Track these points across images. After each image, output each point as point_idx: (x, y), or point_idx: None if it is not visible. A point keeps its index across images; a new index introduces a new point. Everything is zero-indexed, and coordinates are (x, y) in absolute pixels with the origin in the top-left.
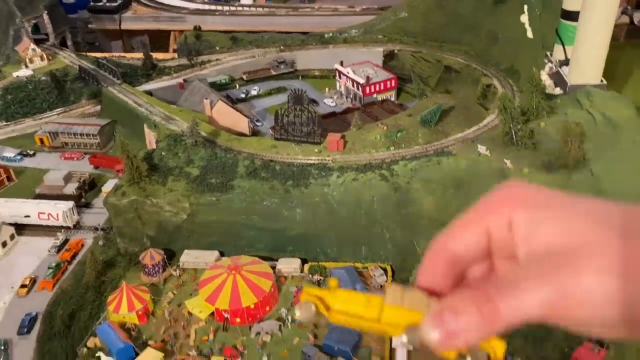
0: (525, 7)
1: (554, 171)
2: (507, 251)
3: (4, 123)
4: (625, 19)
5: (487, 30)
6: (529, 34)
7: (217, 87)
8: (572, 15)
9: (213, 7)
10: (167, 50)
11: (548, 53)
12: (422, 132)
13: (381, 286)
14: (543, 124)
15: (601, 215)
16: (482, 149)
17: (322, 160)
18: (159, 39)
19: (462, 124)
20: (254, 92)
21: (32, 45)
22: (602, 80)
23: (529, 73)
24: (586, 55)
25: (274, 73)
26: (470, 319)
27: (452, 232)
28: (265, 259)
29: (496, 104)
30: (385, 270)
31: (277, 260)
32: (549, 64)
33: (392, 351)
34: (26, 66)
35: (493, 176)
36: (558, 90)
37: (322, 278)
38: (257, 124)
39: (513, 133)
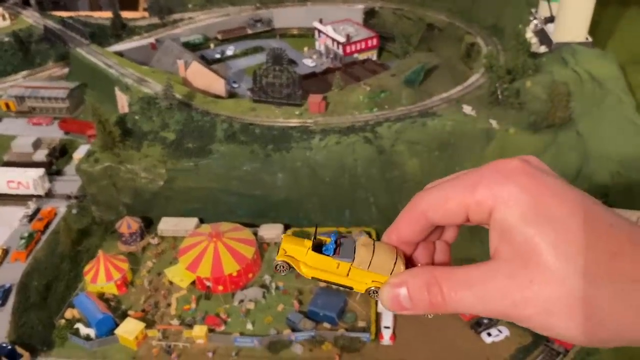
0: None
1: (540, 131)
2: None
3: None
4: None
5: None
6: None
7: (190, 47)
8: None
9: None
10: (136, 9)
11: (533, 10)
12: (406, 93)
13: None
14: (529, 83)
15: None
16: (467, 109)
17: (303, 122)
18: None
19: (446, 83)
20: (229, 52)
21: None
22: (587, 38)
23: (514, 31)
24: (572, 13)
25: (250, 32)
26: (419, 300)
27: (435, 199)
28: (247, 225)
29: (480, 62)
30: (369, 234)
31: (259, 227)
32: (534, 21)
33: (377, 315)
34: None
35: (479, 137)
36: (543, 48)
37: None
38: (233, 85)
39: (499, 92)
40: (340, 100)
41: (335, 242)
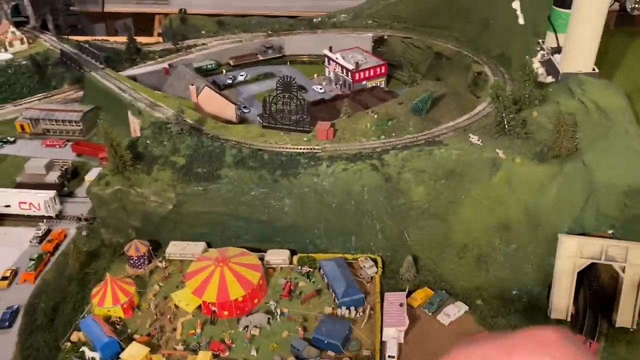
0: None
1: (547, 161)
2: None
3: None
4: (616, 6)
5: (478, 16)
6: (521, 21)
7: (203, 72)
8: (565, 3)
9: None
10: (151, 34)
11: (540, 40)
12: (413, 121)
13: (371, 278)
14: (535, 113)
15: None
16: (474, 138)
17: (311, 149)
18: (143, 22)
19: (453, 112)
20: (240, 78)
21: (12, 28)
22: (594, 69)
23: (521, 60)
24: (578, 44)
25: (261, 58)
26: None
27: (473, 357)
28: (253, 250)
29: (487, 91)
30: (375, 261)
31: (265, 252)
32: (541, 52)
33: (382, 344)
34: (5, 50)
35: (485, 166)
36: (550, 79)
37: (311, 270)
38: (244, 110)
39: (505, 122)
40: (348, 127)
41: None
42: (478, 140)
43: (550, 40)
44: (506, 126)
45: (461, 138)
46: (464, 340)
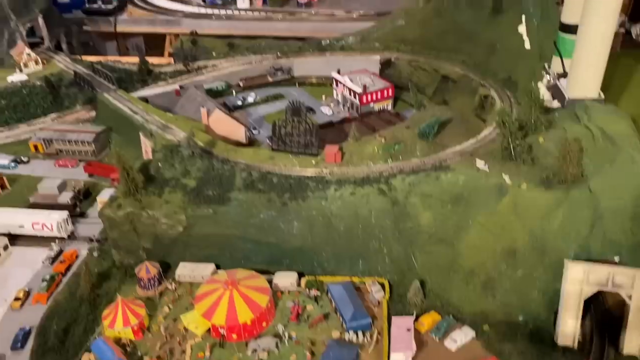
0: (523, 17)
1: (553, 187)
2: None
3: None
4: (621, 29)
5: (485, 40)
6: (527, 45)
7: (213, 93)
8: (571, 29)
9: (209, 11)
10: (162, 53)
11: (546, 65)
12: (420, 145)
13: (379, 302)
14: (541, 139)
15: None
16: (480, 163)
17: (319, 172)
18: (154, 42)
19: (459, 136)
20: (250, 100)
21: (27, 50)
22: (600, 94)
23: (527, 84)
24: (585, 70)
25: (270, 80)
26: None
27: None
28: (261, 272)
29: (494, 116)
30: (382, 285)
31: (273, 274)
32: (547, 76)
33: None
34: (20, 70)
35: (492, 191)
36: (556, 103)
37: (319, 293)
38: (253, 132)
39: (512, 148)
40: (355, 150)
41: None
42: (484, 165)
43: (556, 65)
44: (512, 152)
45: (468, 163)
46: None
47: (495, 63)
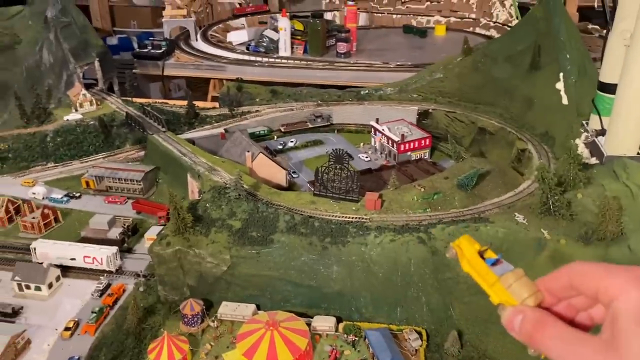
0: (561, 74)
1: (592, 244)
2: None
3: (53, 164)
4: None
5: (522, 95)
6: (564, 101)
7: (255, 137)
8: (609, 88)
9: (252, 58)
10: (203, 94)
11: (584, 122)
12: (459, 196)
13: (416, 350)
14: (580, 195)
15: None
16: (519, 217)
17: (359, 218)
18: (195, 84)
19: (497, 188)
20: (290, 144)
21: (83, 90)
22: (638, 152)
23: (564, 139)
24: (623, 128)
25: (310, 126)
26: (524, 329)
27: (580, 266)
28: (299, 315)
29: (531, 169)
30: (420, 333)
31: (312, 317)
32: (585, 133)
33: None
34: (76, 110)
35: (530, 246)
36: (594, 160)
37: (356, 339)
38: (293, 175)
39: (550, 203)
40: (395, 198)
41: (498, 260)
42: (523, 219)
43: (594, 123)
44: (551, 207)
45: (506, 216)
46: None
47: (532, 117)
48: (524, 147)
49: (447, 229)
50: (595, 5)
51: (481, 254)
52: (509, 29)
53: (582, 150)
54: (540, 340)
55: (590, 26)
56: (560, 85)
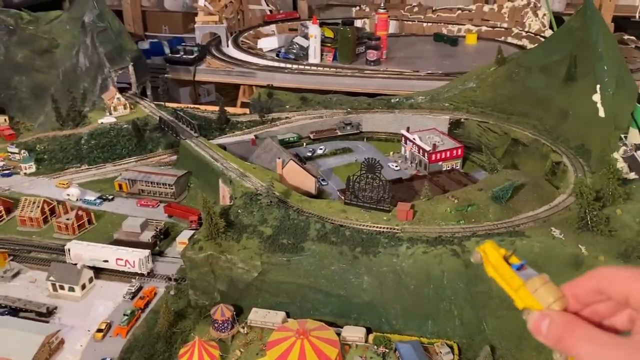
0: (598, 86)
1: (631, 261)
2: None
3: (87, 167)
4: None
5: (557, 106)
6: (601, 114)
7: (285, 144)
8: None
9: (282, 65)
10: (233, 100)
11: (622, 135)
12: (493, 208)
13: None
14: (619, 211)
15: None
16: (556, 232)
17: (391, 229)
18: (224, 89)
19: (532, 201)
20: (320, 151)
21: (117, 94)
22: None
23: (601, 153)
24: None
25: (339, 134)
26: (553, 333)
27: (609, 271)
28: (329, 324)
29: (567, 183)
30: (451, 347)
31: (341, 327)
32: (624, 147)
33: None
34: (110, 113)
35: (567, 261)
36: (633, 175)
37: (386, 350)
38: (322, 183)
39: (588, 219)
40: (427, 209)
41: (522, 265)
42: (560, 234)
43: (633, 136)
44: (589, 222)
45: (542, 230)
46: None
47: (567, 130)
48: (559, 159)
49: (481, 242)
50: (637, 17)
51: (506, 259)
52: (541, 38)
53: (621, 164)
54: (570, 343)
55: (626, 37)
56: (597, 97)
